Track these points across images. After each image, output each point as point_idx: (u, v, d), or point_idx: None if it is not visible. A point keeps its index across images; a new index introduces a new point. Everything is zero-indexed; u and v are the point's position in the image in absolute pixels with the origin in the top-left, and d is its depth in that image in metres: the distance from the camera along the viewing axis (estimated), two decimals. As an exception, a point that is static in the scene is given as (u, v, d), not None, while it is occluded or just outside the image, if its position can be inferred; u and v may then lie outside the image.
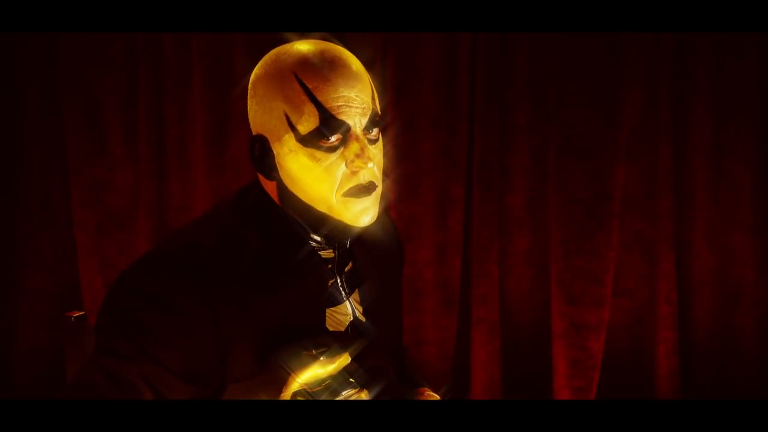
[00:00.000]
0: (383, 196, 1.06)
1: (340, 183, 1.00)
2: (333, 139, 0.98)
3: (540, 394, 2.39)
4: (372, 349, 1.08)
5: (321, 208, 1.02)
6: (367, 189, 1.01)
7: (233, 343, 0.98)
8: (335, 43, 1.05)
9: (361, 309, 1.11)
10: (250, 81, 1.05)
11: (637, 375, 2.36)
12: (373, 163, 1.00)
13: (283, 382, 0.95)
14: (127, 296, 0.98)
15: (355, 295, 1.12)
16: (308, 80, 0.98)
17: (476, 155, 2.32)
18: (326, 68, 0.99)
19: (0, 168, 2.47)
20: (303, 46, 1.02)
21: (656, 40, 2.22)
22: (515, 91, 2.30)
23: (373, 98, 1.02)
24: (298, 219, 1.05)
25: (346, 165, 0.99)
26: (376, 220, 1.19)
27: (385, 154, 1.08)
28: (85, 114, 2.41)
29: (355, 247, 1.11)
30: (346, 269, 1.10)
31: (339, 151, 0.99)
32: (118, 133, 2.42)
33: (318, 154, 0.99)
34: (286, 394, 0.94)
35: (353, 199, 1.01)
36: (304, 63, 0.99)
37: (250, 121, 1.06)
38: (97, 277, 2.45)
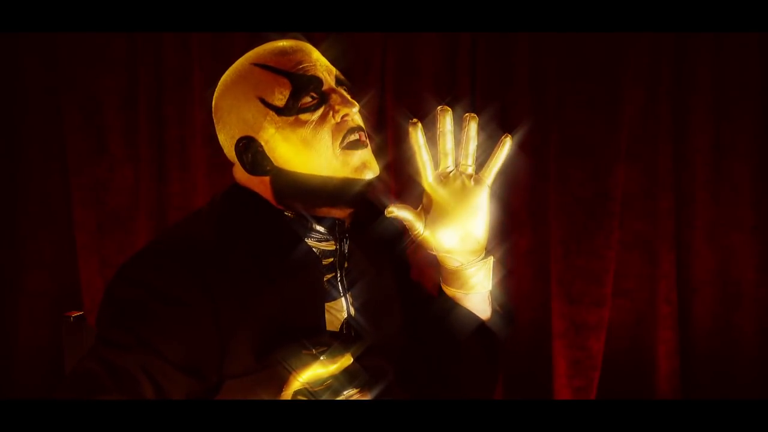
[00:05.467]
0: (374, 156, 1.08)
1: (333, 136, 1.03)
2: (314, 96, 1.03)
3: (540, 394, 2.39)
4: (372, 348, 1.08)
5: (323, 171, 1.03)
6: (361, 141, 1.04)
7: (232, 335, 0.99)
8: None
9: (354, 307, 1.11)
10: (213, 107, 1.10)
11: (637, 375, 2.36)
12: (357, 108, 1.04)
13: (283, 380, 0.95)
14: (126, 287, 0.98)
15: (351, 293, 1.12)
16: (269, 61, 1.04)
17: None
18: (280, 48, 1.06)
19: (0, 168, 2.47)
20: (255, 49, 1.09)
21: (656, 40, 2.22)
22: (515, 91, 2.30)
23: (334, 66, 1.08)
24: (300, 207, 1.06)
25: (333, 116, 1.03)
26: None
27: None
28: (85, 114, 2.41)
29: (355, 244, 1.12)
30: (345, 265, 1.10)
31: (322, 108, 1.03)
32: (118, 133, 2.42)
33: (303, 116, 1.03)
34: (287, 393, 0.94)
35: (351, 152, 1.03)
36: (259, 54, 1.07)
37: (225, 143, 1.09)
38: (97, 277, 2.45)
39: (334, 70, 1.07)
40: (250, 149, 1.06)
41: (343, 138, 1.02)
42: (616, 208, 2.28)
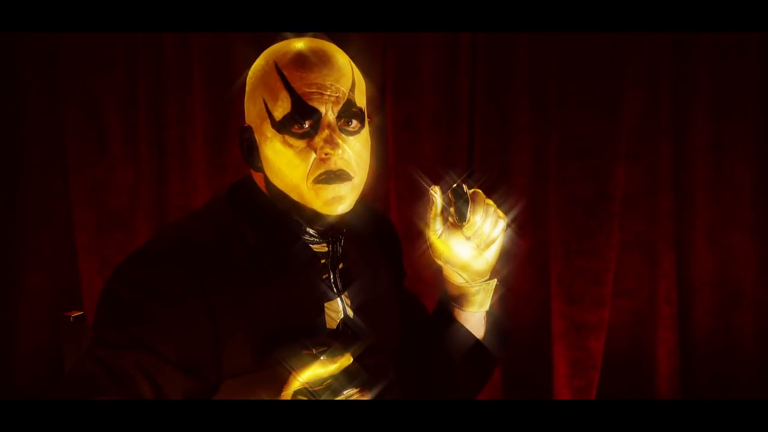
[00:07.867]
0: (358, 188, 1.06)
1: (311, 169, 1.01)
2: (305, 126, 1.01)
3: (540, 394, 2.39)
4: (372, 348, 1.08)
5: (293, 195, 1.04)
6: (337, 176, 1.01)
7: (230, 335, 0.99)
8: (326, 41, 1.08)
9: (351, 308, 1.11)
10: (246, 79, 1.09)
11: (637, 375, 2.36)
12: (344, 150, 1.01)
13: (283, 380, 0.95)
14: (122, 288, 0.98)
15: (347, 293, 1.12)
16: (285, 68, 1.02)
17: (476, 155, 2.32)
18: (304, 57, 1.02)
19: (0, 168, 2.47)
20: (290, 41, 1.05)
21: (656, 40, 2.22)
22: (515, 91, 2.30)
23: (352, 89, 1.03)
24: (291, 211, 1.06)
25: (315, 152, 1.01)
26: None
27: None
28: (85, 114, 2.41)
29: (348, 244, 1.12)
30: (339, 266, 1.10)
31: (307, 140, 1.01)
32: (118, 133, 2.42)
33: (290, 140, 1.01)
34: (287, 393, 0.94)
35: (323, 186, 1.01)
36: (284, 53, 1.03)
37: (245, 117, 1.09)
38: (97, 277, 2.45)
39: (346, 97, 1.02)
40: (249, 141, 1.07)
41: (318, 175, 1.01)
42: (616, 208, 2.28)
